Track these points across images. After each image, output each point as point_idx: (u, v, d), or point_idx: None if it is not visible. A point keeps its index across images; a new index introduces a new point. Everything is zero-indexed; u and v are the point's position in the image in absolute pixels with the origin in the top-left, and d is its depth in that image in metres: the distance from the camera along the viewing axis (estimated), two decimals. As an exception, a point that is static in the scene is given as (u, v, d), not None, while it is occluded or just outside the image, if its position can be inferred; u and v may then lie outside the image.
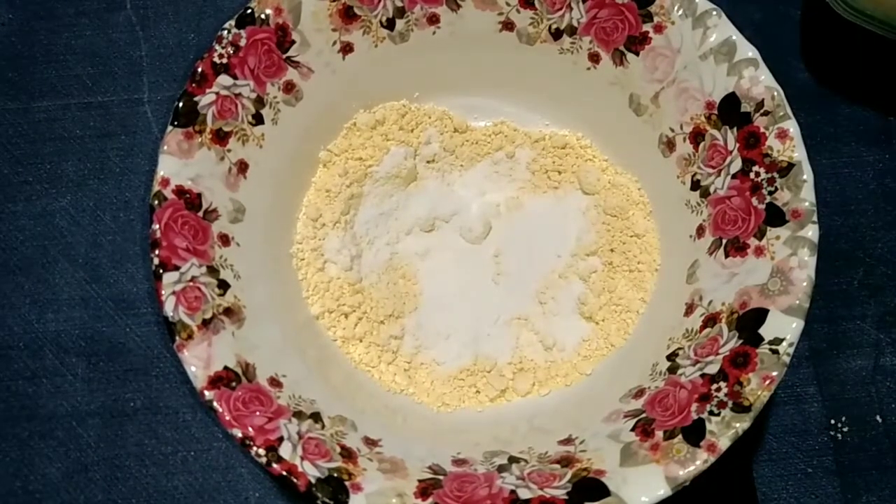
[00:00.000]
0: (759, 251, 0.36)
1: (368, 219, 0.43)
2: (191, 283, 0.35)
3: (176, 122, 0.36)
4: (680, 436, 0.33)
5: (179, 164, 0.36)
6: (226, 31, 0.38)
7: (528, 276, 0.43)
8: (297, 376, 0.36)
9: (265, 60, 0.39)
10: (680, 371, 0.35)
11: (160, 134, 0.46)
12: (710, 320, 0.36)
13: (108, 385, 0.42)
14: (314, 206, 0.43)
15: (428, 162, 0.45)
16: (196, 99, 0.37)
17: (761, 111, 0.36)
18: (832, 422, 0.42)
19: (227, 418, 0.32)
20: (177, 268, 0.34)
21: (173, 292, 0.34)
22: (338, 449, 0.33)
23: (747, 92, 0.37)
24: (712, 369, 0.34)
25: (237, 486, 0.41)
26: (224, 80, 0.38)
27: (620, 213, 0.43)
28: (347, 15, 0.40)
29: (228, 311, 0.35)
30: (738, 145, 0.37)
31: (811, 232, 0.35)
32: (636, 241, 0.43)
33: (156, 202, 0.35)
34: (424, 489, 0.32)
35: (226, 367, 0.34)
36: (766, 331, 0.34)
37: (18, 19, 0.49)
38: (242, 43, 0.38)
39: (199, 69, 0.37)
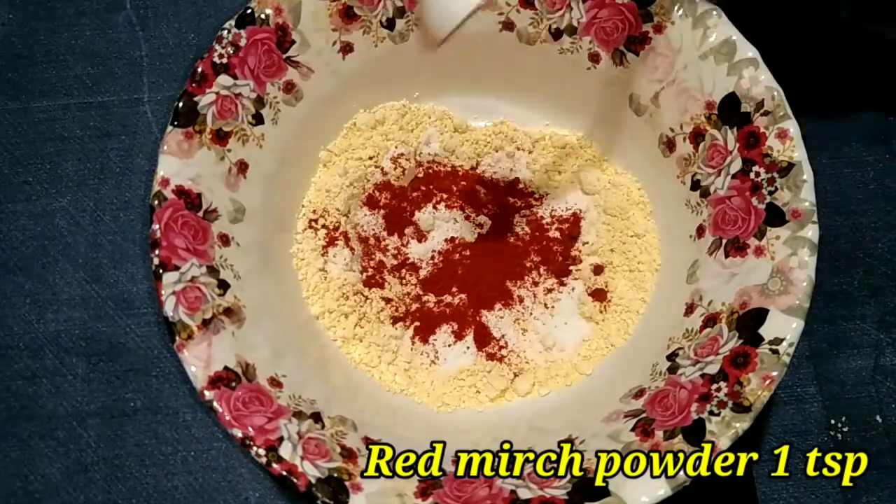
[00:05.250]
0: (759, 251, 0.36)
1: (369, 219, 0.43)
2: (191, 283, 0.35)
3: (176, 122, 0.36)
4: (680, 436, 0.33)
5: (179, 164, 0.36)
6: (226, 31, 0.38)
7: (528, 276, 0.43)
8: (297, 376, 0.36)
9: (265, 60, 0.39)
10: (680, 371, 0.35)
11: (160, 134, 0.46)
12: (711, 320, 0.36)
13: (108, 385, 0.42)
14: (314, 206, 0.43)
15: (428, 162, 0.45)
16: (196, 99, 0.37)
17: (761, 111, 0.36)
18: (832, 422, 0.42)
19: (227, 418, 0.32)
20: (177, 268, 0.34)
21: (173, 292, 0.34)
22: (338, 449, 0.33)
23: (747, 92, 0.37)
24: (712, 369, 0.34)
25: (237, 486, 0.41)
26: (224, 80, 0.38)
27: (620, 213, 0.43)
28: (347, 15, 0.40)
29: (228, 311, 0.35)
30: (738, 145, 0.37)
31: (811, 232, 0.35)
32: (636, 241, 0.43)
33: (156, 202, 0.35)
34: (424, 489, 0.32)
35: (226, 367, 0.34)
36: (767, 331, 0.34)
37: (18, 19, 0.49)
38: (242, 43, 0.38)
39: (199, 69, 0.37)
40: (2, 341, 0.43)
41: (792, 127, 0.36)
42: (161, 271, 0.34)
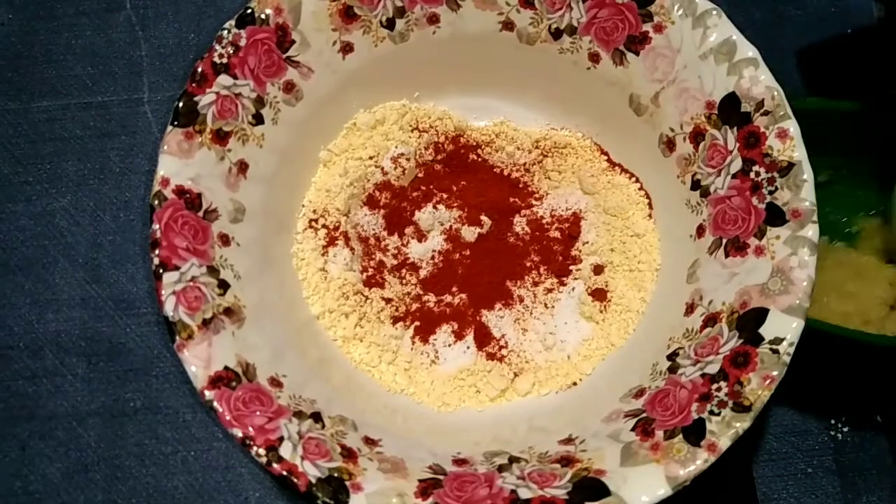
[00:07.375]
0: (760, 251, 0.36)
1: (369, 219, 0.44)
2: (191, 283, 0.35)
3: (176, 122, 0.36)
4: (680, 435, 0.33)
5: (179, 164, 0.36)
6: (226, 31, 0.38)
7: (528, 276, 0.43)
8: (298, 376, 0.36)
9: (265, 60, 0.39)
10: (680, 371, 0.35)
11: (160, 134, 0.46)
12: (711, 320, 0.36)
13: (108, 385, 0.42)
14: (314, 206, 0.43)
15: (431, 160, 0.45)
16: (196, 99, 0.37)
17: (761, 111, 0.36)
18: (832, 421, 0.42)
19: (228, 418, 0.32)
20: (177, 268, 0.34)
21: (173, 292, 0.34)
22: (338, 449, 0.33)
23: (747, 91, 0.37)
24: (713, 369, 0.34)
25: (237, 486, 0.41)
26: (224, 79, 0.38)
27: (620, 212, 0.43)
28: (347, 15, 0.40)
29: (229, 311, 0.35)
30: (738, 145, 0.37)
31: (811, 231, 0.35)
32: (636, 240, 0.43)
33: (156, 202, 0.35)
34: (425, 489, 0.32)
35: (226, 367, 0.34)
36: (767, 330, 0.34)
37: (18, 19, 0.49)
38: (242, 43, 0.38)
39: (200, 69, 0.37)
40: (2, 341, 0.43)
41: (792, 126, 0.36)
42: (161, 271, 0.34)
